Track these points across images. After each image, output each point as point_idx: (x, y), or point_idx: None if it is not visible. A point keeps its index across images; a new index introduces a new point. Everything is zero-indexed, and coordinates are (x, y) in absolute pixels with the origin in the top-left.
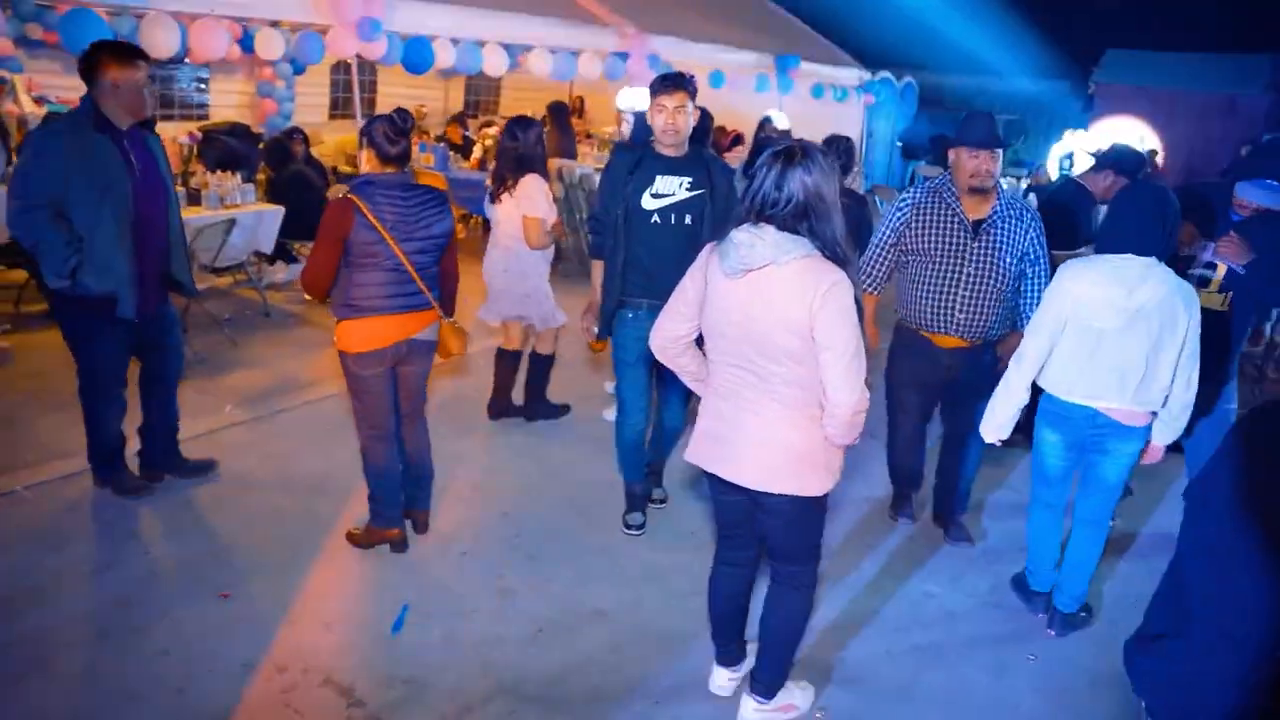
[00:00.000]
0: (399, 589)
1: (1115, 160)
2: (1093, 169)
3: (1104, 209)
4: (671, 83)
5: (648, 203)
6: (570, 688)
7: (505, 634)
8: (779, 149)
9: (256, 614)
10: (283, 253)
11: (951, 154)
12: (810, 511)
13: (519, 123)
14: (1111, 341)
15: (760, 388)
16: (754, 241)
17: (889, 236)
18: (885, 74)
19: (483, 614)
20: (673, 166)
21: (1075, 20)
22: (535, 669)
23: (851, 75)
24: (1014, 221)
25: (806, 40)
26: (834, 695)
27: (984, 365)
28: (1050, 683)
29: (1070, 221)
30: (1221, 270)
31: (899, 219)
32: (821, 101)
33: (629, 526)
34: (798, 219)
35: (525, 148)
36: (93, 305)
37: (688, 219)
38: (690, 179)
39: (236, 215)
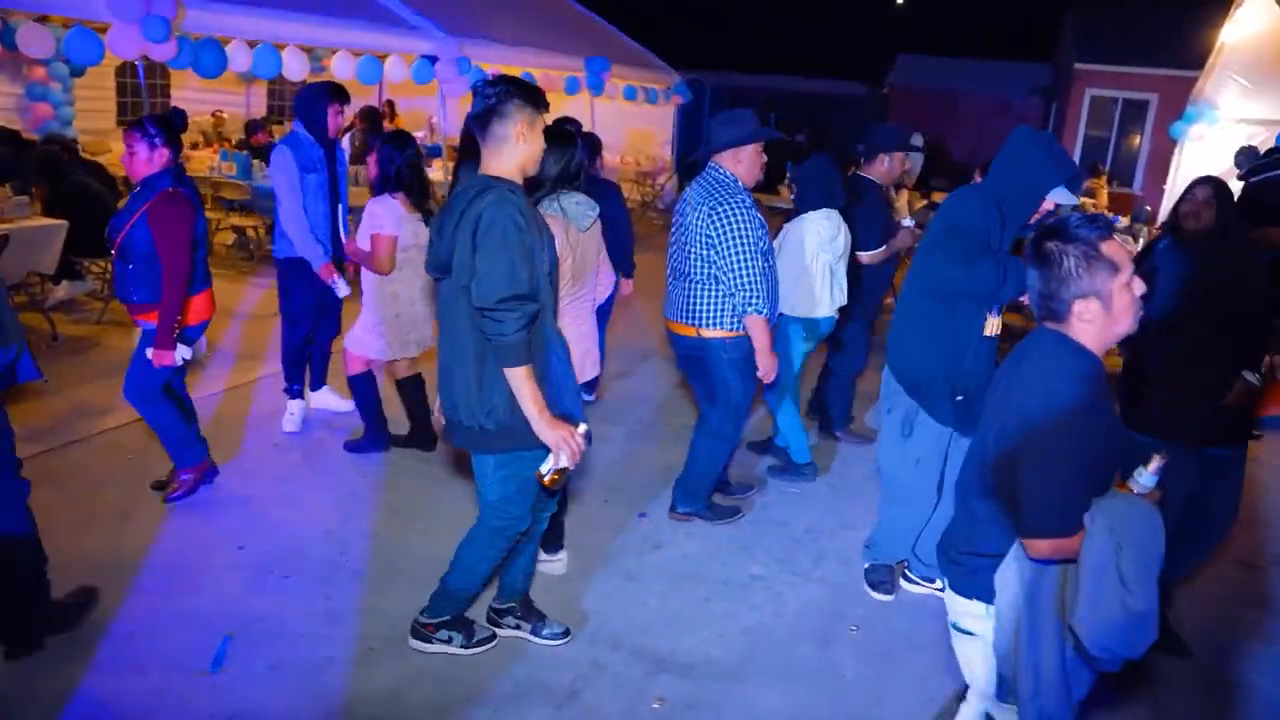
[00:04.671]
0: (217, 622)
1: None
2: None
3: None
4: None
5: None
6: (408, 703)
7: (336, 656)
8: (570, 129)
9: (57, 668)
10: (68, 270)
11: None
12: None
13: (399, 138)
14: (837, 271)
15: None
16: (586, 199)
17: None
18: (692, 75)
19: (310, 638)
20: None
21: (872, 25)
22: (370, 688)
23: (661, 77)
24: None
25: (616, 43)
26: (669, 684)
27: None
28: (872, 649)
29: None
30: None
31: None
32: (635, 103)
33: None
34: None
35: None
36: None
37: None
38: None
39: (10, 231)
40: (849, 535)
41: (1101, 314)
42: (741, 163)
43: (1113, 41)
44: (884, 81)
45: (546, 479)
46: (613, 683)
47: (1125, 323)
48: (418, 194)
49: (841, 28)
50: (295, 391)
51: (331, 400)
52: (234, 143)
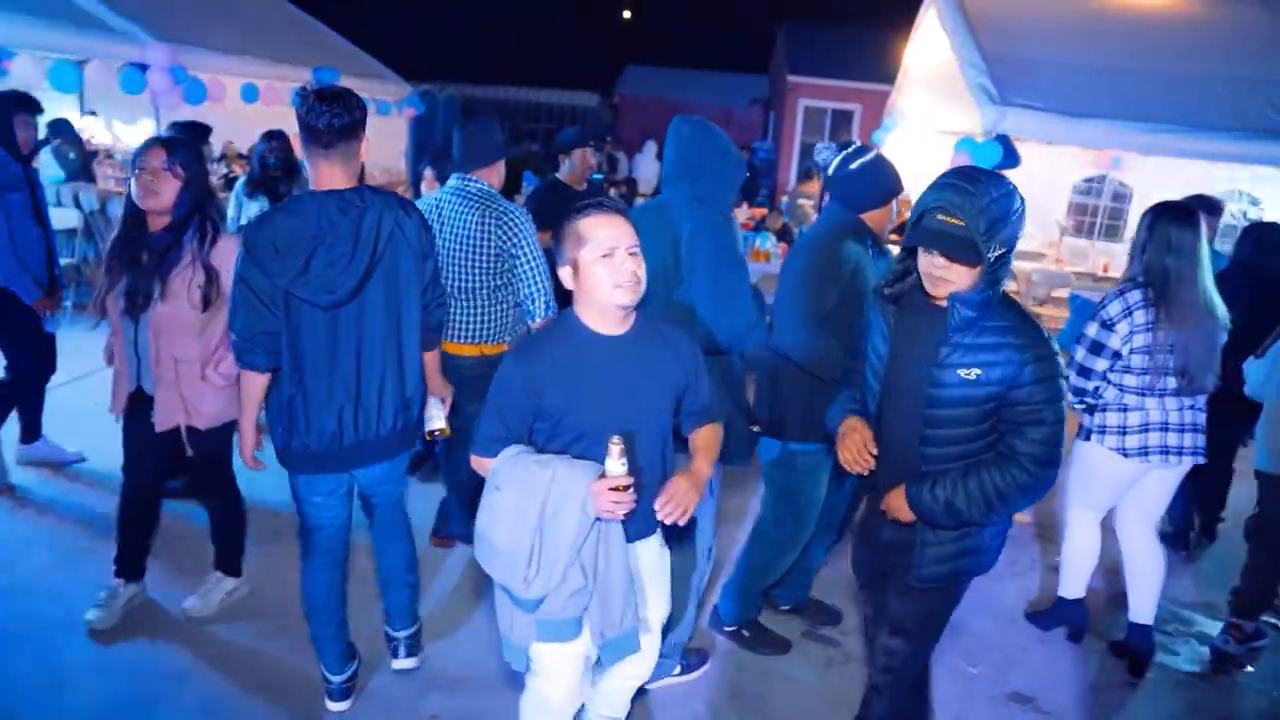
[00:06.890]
0: None
1: None
2: None
3: None
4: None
5: None
6: None
7: None
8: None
9: None
10: None
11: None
12: None
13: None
14: None
15: None
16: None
17: None
18: (424, 87)
19: (40, 711)
20: None
21: (601, 37)
22: None
23: (392, 89)
24: None
25: (346, 53)
26: (441, 701)
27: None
28: None
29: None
30: None
31: None
32: (370, 116)
33: None
34: None
35: None
36: None
37: None
38: None
39: None
40: None
41: (575, 282)
42: (496, 174)
43: (821, 56)
44: (613, 92)
45: (439, 430)
46: (385, 707)
47: (603, 293)
48: None
49: (572, 40)
50: None
51: (55, 450)
52: None
